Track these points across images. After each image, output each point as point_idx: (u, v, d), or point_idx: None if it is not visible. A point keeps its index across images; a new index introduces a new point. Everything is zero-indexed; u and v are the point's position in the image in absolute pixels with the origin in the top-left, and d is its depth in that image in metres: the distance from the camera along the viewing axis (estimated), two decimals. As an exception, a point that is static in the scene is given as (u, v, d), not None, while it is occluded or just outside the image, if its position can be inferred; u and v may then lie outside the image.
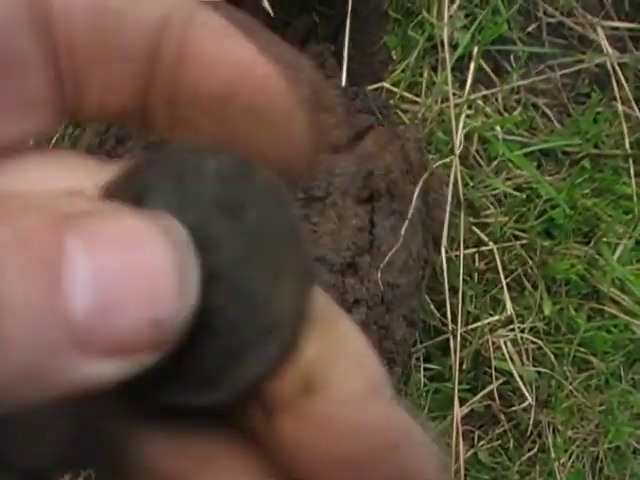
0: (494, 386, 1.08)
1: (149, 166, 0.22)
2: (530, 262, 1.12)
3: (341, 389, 0.21)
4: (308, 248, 0.22)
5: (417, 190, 0.97)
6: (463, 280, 1.03)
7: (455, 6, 1.14)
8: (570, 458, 1.12)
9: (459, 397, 1.02)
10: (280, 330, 0.21)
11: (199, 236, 0.21)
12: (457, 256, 1.04)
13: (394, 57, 1.14)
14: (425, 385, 1.05)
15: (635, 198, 1.18)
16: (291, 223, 0.22)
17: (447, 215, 1.02)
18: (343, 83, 1.05)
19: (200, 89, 0.22)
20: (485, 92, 1.17)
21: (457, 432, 1.01)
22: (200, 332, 0.21)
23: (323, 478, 0.21)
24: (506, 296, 1.08)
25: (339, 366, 0.21)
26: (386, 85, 1.12)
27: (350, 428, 0.20)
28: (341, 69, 1.05)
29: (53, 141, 0.91)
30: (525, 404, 1.08)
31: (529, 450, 1.11)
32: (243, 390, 0.21)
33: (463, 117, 1.07)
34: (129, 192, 0.22)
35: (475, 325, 1.07)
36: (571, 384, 1.11)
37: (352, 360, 0.22)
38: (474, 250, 1.10)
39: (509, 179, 1.15)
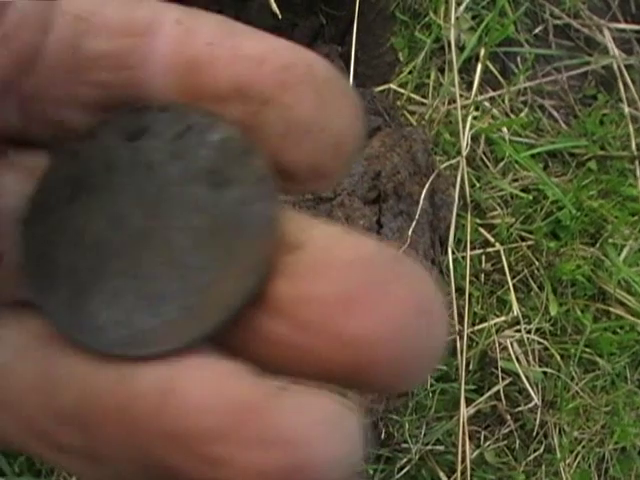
0: (500, 387, 1.08)
1: (158, 111, 0.22)
2: (536, 263, 1.12)
3: (321, 240, 0.21)
4: (270, 248, 0.21)
5: (424, 191, 0.97)
6: (469, 281, 1.04)
7: (462, 8, 1.14)
8: (576, 459, 1.12)
9: (465, 397, 1.02)
10: (198, 322, 0.21)
11: (177, 192, 0.21)
12: (464, 257, 1.05)
13: (401, 59, 1.14)
14: (432, 385, 1.05)
15: (641, 199, 1.18)
16: (268, 221, 0.21)
17: (454, 216, 1.02)
18: (350, 84, 1.05)
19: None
20: (492, 94, 1.18)
21: (463, 432, 1.01)
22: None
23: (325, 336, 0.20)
24: (512, 297, 1.08)
25: (315, 229, 0.21)
26: (393, 87, 1.12)
27: (340, 265, 0.20)
28: (348, 71, 1.06)
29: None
30: (531, 404, 1.08)
31: (535, 450, 1.11)
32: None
33: (470, 118, 1.08)
34: (130, 126, 0.22)
35: (481, 326, 1.07)
36: (577, 385, 1.12)
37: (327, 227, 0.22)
38: (481, 251, 1.10)
39: (516, 180, 1.15)
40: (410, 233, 0.92)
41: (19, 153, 0.23)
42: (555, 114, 1.22)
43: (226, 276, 0.21)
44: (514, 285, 1.09)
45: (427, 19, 1.14)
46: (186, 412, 0.19)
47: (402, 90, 1.12)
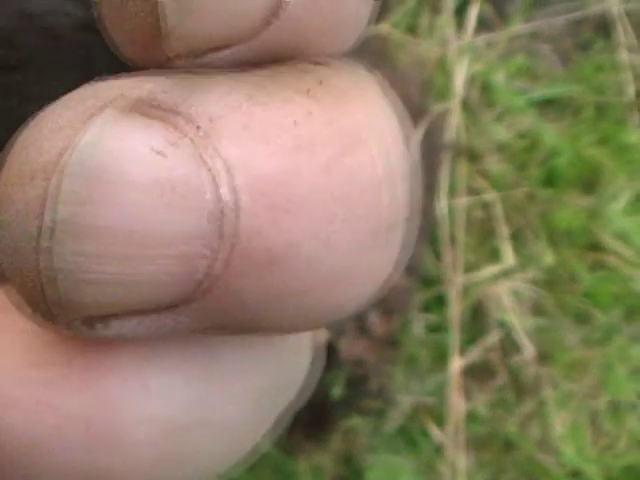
0: (494, 338, 1.06)
1: None
2: (531, 212, 1.10)
3: None
4: None
5: (417, 136, 0.94)
6: (463, 229, 1.01)
7: (457, -54, 1.10)
8: (569, 412, 1.10)
9: (457, 349, 1.00)
10: None
11: None
12: (457, 204, 1.02)
13: (393, -1, 1.11)
14: (423, 336, 1.03)
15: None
16: None
17: (447, 162, 1.00)
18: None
19: None
20: (487, 36, 1.14)
21: (455, 384, 0.99)
22: None
23: None
24: (506, 246, 1.06)
25: None
26: (385, 28, 1.09)
27: None
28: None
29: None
30: (524, 356, 1.06)
31: (528, 403, 1.09)
32: None
33: (464, 62, 1.05)
34: None
35: (475, 275, 1.05)
36: (571, 337, 1.10)
37: None
38: (475, 198, 1.08)
39: (510, 126, 1.12)
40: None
41: None
42: (551, 59, 1.19)
43: None
44: (508, 233, 1.07)
45: (420, -42, 1.10)
46: None
47: (395, 31, 1.08)
